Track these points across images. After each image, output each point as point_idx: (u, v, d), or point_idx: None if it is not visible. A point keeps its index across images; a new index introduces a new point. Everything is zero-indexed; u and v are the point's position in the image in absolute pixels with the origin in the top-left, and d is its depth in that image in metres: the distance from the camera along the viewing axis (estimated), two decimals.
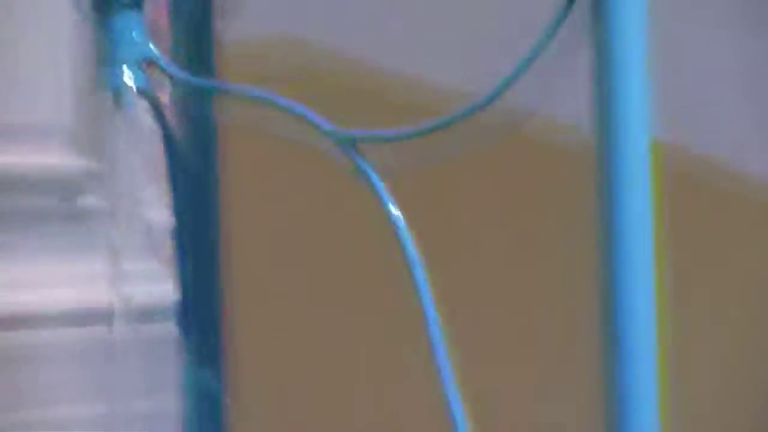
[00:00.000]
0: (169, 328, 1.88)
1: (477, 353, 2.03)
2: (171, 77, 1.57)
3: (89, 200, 3.46)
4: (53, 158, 3.70)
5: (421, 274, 1.38)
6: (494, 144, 1.69)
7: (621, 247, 1.24)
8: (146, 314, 2.29)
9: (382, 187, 1.39)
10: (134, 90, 1.52)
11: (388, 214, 1.40)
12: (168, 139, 1.72)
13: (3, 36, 3.43)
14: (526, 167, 2.83)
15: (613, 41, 1.25)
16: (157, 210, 1.87)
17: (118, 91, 1.52)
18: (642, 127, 1.23)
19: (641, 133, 1.23)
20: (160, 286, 2.03)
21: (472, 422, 1.46)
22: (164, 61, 1.54)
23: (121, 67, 1.51)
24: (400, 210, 1.40)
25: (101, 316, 2.08)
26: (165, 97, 1.69)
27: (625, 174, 1.25)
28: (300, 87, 2.56)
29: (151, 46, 1.53)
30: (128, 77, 1.48)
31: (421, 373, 1.55)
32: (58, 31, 3.57)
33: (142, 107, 1.58)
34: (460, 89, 2.12)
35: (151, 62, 1.51)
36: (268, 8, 2.97)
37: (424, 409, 1.91)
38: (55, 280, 3.64)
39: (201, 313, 1.85)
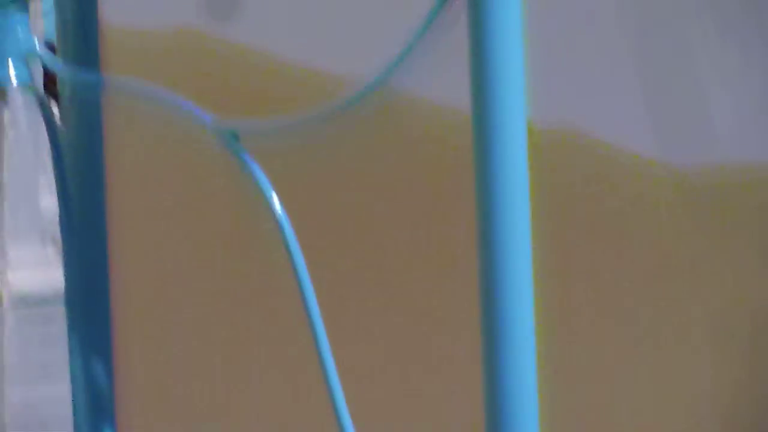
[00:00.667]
0: (59, 313, 1.88)
1: (359, 348, 2.31)
2: (54, 71, 1.60)
3: None
4: None
5: (303, 268, 1.34)
6: (377, 134, 1.96)
7: (498, 232, 1.05)
8: (35, 299, 2.19)
9: (265, 180, 1.38)
10: (17, 84, 1.53)
11: (271, 207, 1.39)
12: (52, 130, 1.72)
13: None
14: (412, 158, 2.53)
15: (487, 23, 1.14)
16: (48, 197, 1.97)
17: (3, 85, 1.54)
18: (519, 110, 1.10)
19: (519, 117, 1.09)
20: (50, 271, 2.22)
21: (357, 421, 1.37)
22: (47, 55, 1.57)
23: (5, 62, 1.51)
24: (283, 202, 1.39)
25: None
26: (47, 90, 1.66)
27: (501, 158, 1.10)
28: (190, 78, 2.66)
29: (35, 41, 1.54)
30: (12, 72, 1.49)
31: (304, 368, 1.80)
32: None
33: (30, 99, 1.61)
34: (348, 77, 2.02)
35: (34, 57, 1.53)
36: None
37: (310, 405, 2.15)
38: None
39: (88, 301, 1.80)
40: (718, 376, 2.89)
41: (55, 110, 1.77)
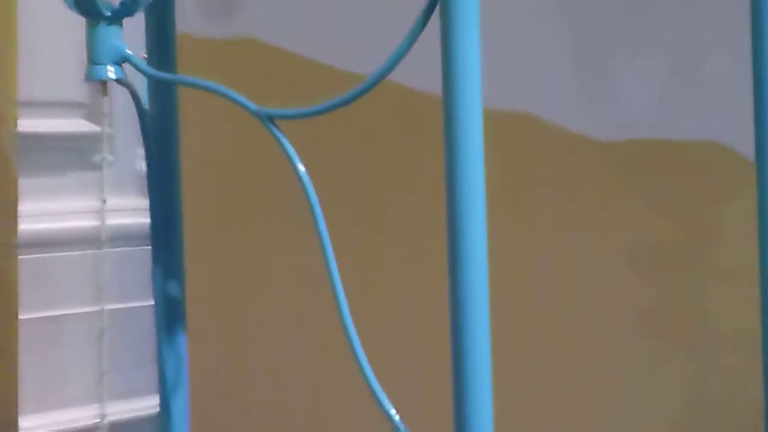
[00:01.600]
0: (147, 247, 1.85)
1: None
2: (143, 72, 1.55)
3: (98, 155, 3.22)
4: (75, 126, 3.56)
5: (321, 219, 1.35)
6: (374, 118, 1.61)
7: (459, 198, 1.19)
8: (134, 237, 2.64)
9: (290, 148, 1.38)
10: (115, 79, 1.47)
11: (295, 167, 1.38)
12: (141, 114, 1.67)
13: (41, 39, 3.29)
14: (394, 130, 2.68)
15: (454, 31, 1.18)
16: (143, 161, 1.86)
17: (104, 82, 1.49)
18: (476, 95, 1.17)
19: (475, 101, 1.17)
20: (143, 216, 1.90)
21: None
22: (137, 59, 1.51)
23: (105, 64, 1.47)
24: (304, 163, 1.37)
25: (97, 240, 2.10)
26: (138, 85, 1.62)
27: (463, 136, 1.19)
28: (244, 74, 2.84)
29: (126, 48, 1.48)
30: (111, 72, 1.45)
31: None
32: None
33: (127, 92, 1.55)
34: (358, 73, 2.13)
35: (127, 60, 1.48)
36: (224, 11, 2.90)
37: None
38: (68, 213, 3.53)
39: (166, 238, 1.79)
40: (632, 294, 3.14)
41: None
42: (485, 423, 1.18)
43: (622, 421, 3.57)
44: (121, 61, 1.43)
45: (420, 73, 1.52)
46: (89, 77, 1.45)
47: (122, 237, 2.60)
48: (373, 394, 1.35)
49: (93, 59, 1.42)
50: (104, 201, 1.92)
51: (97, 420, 3.05)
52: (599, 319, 3.30)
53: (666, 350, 3.61)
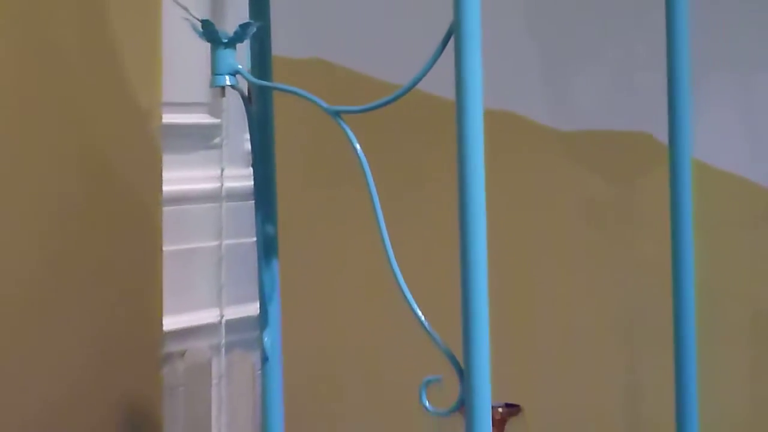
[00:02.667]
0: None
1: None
2: (249, 81, 1.59)
3: (217, 139, 3.44)
4: (201, 119, 3.67)
5: (373, 187, 1.34)
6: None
7: (468, 178, 1.20)
8: (242, 194, 2.60)
9: (353, 135, 1.37)
10: (230, 85, 1.51)
11: (355, 149, 1.37)
12: (248, 111, 1.72)
13: (178, 54, 3.23)
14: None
15: (464, 54, 1.19)
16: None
17: (223, 87, 1.51)
18: (478, 98, 1.20)
19: (478, 102, 1.18)
20: (250, 180, 1.91)
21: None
22: (245, 71, 1.55)
23: (224, 75, 1.50)
24: (362, 147, 1.37)
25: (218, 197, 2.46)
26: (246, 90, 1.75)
27: (470, 128, 1.19)
28: (317, 84, 2.59)
29: (239, 64, 1.52)
30: (227, 81, 1.49)
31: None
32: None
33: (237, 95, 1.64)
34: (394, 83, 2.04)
35: (238, 72, 1.50)
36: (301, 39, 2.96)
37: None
38: (197, 179, 3.62)
39: (265, 198, 1.82)
40: (584, 243, 3.04)
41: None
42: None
43: None
44: (234, 73, 1.48)
45: (437, 81, 1.44)
46: (212, 85, 1.50)
47: (234, 195, 2.76)
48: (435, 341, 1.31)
49: (215, 71, 1.47)
50: (222, 170, 1.93)
51: (218, 318, 3.25)
52: (557, 267, 3.23)
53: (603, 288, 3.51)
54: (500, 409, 1.87)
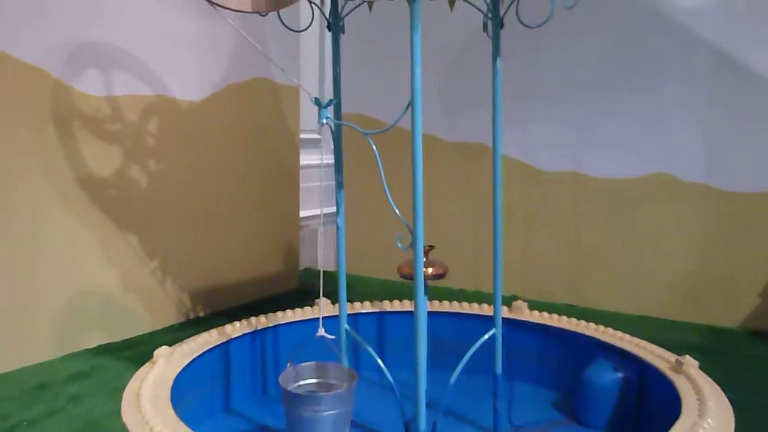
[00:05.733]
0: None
1: None
2: (330, 121, 2.27)
3: (320, 145, 4.35)
4: (313, 135, 4.72)
5: (381, 168, 2.18)
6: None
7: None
8: (329, 167, 2.81)
9: (373, 144, 2.15)
10: (324, 121, 2.22)
11: (374, 151, 2.18)
12: (333, 134, 2.44)
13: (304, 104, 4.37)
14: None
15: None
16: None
17: (322, 123, 2.21)
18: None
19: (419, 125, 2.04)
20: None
21: None
22: (331, 117, 2.27)
23: (321, 116, 2.21)
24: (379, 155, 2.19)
25: (319, 166, 2.91)
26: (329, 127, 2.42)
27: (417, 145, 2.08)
28: (357, 121, 3.25)
29: (329, 113, 2.24)
30: (324, 120, 2.19)
31: None
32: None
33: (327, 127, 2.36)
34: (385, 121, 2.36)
35: (326, 117, 2.21)
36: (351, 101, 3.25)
37: None
38: (312, 159, 4.73)
39: (338, 166, 2.55)
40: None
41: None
42: None
43: None
44: (327, 117, 2.27)
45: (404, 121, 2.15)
46: (318, 122, 2.24)
47: (326, 165, 3.80)
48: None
49: (319, 117, 2.25)
50: (321, 157, 2.44)
51: (319, 212, 4.55)
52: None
53: None
54: (426, 246, 2.46)
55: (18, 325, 2.76)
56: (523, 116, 3.81)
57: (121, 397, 2.32)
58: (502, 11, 2.58)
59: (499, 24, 2.58)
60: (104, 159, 3.12)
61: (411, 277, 2.22)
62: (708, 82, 3.73)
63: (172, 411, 2.25)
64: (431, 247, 2.29)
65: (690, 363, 2.64)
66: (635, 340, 2.98)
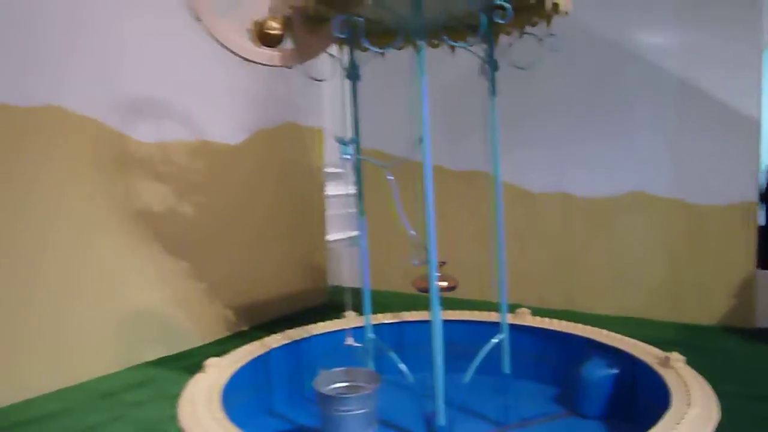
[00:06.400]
0: None
1: None
2: (351, 156, 2.27)
3: (346, 176, 4.12)
4: (336, 170, 4.51)
5: (395, 190, 2.15)
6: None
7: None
8: (351, 197, 2.81)
9: (389, 174, 2.16)
10: (346, 156, 2.23)
11: (389, 179, 2.17)
12: (355, 168, 2.45)
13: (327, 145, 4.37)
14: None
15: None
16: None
17: (344, 157, 2.22)
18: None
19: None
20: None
21: None
22: (351, 152, 2.28)
23: (342, 152, 2.22)
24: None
25: (345, 196, 2.84)
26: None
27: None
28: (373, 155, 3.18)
29: (348, 149, 2.23)
30: (345, 154, 2.21)
31: None
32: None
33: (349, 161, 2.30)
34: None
35: (347, 153, 2.23)
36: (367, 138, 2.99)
37: None
38: (336, 190, 4.67)
39: (359, 194, 2.53)
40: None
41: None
42: None
43: None
44: (348, 153, 2.29)
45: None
46: (340, 157, 2.24)
47: (349, 195, 3.62)
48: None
49: (341, 152, 2.25)
50: (348, 188, 2.45)
51: (345, 236, 4.53)
52: None
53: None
54: (439, 262, 2.33)
55: (84, 342, 2.77)
56: (512, 144, 3.76)
57: (177, 403, 2.31)
58: (496, 55, 2.56)
59: (494, 67, 2.58)
60: (157, 196, 3.14)
61: (426, 290, 2.24)
62: (674, 108, 3.69)
63: (223, 413, 2.24)
64: (443, 262, 2.27)
65: (677, 358, 2.58)
66: (626, 338, 2.91)
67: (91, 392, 2.60)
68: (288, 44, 2.33)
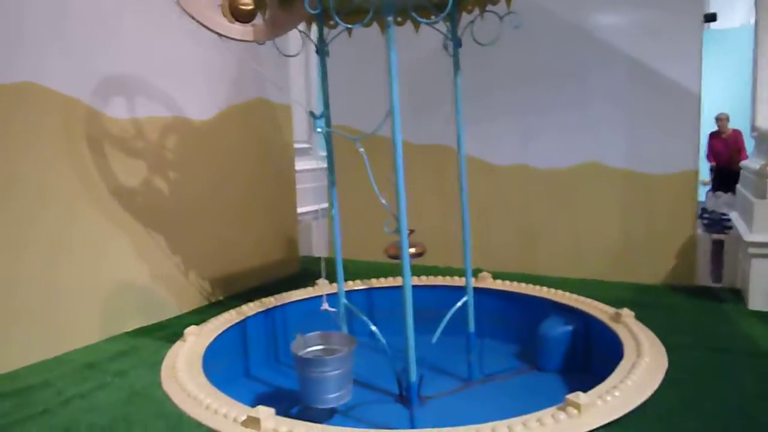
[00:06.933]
0: None
1: None
2: (324, 130, 2.31)
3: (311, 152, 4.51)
4: (304, 145, 4.74)
5: (368, 164, 2.20)
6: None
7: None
8: (321, 170, 2.81)
9: (360, 146, 2.18)
10: (318, 130, 2.28)
11: (361, 152, 2.18)
12: (326, 140, 2.40)
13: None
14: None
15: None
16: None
17: (315, 130, 2.26)
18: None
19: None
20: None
21: None
22: (324, 126, 2.35)
23: (316, 126, 2.30)
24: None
25: (313, 170, 3.06)
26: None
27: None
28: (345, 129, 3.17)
29: (323, 122, 2.32)
30: (318, 129, 2.27)
31: None
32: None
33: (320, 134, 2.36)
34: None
35: (321, 127, 2.28)
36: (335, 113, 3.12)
37: None
38: (304, 165, 5.00)
39: (330, 168, 2.49)
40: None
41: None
42: None
43: None
44: (320, 127, 2.37)
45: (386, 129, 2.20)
46: (314, 131, 2.36)
47: (318, 170, 3.38)
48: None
49: (314, 127, 2.35)
50: (317, 162, 2.49)
51: (316, 208, 4.78)
52: None
53: None
54: (409, 230, 2.35)
55: (63, 314, 2.73)
56: (475, 118, 3.80)
57: (159, 370, 2.36)
58: (459, 32, 2.61)
59: (458, 43, 2.64)
60: (131, 172, 3.08)
61: (397, 256, 2.30)
62: (626, 83, 3.76)
63: (204, 378, 2.30)
64: (412, 231, 2.33)
65: (627, 314, 2.72)
66: (581, 298, 3.05)
67: (75, 363, 2.56)
68: (260, 20, 2.31)
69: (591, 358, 2.81)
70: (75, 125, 2.86)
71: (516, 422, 1.78)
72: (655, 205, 3.84)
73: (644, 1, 3.75)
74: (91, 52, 2.92)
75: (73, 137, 2.86)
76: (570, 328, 2.88)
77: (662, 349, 2.36)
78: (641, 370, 2.12)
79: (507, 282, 3.45)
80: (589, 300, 3.04)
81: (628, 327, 2.61)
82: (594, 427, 1.76)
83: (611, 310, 2.84)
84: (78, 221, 2.86)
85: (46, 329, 2.68)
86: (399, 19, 2.63)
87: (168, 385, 2.23)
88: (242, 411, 1.93)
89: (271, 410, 1.90)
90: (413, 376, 2.33)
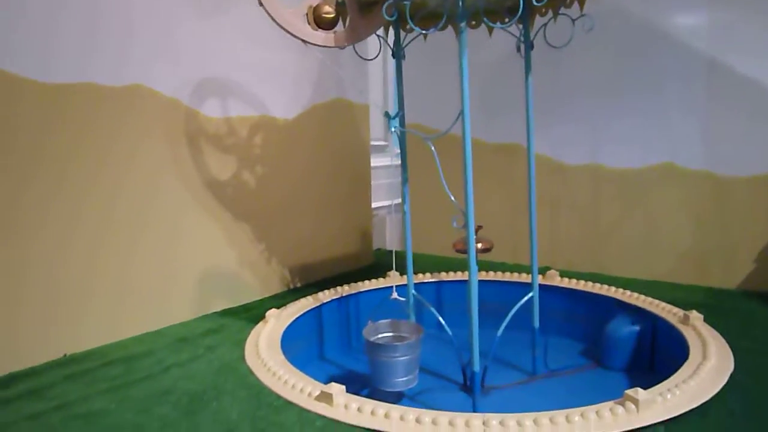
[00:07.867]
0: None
1: None
2: (399, 130, 2.36)
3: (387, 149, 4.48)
4: (380, 143, 4.73)
5: (438, 163, 2.22)
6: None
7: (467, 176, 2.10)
8: (396, 167, 2.92)
9: (432, 145, 2.21)
10: (393, 130, 2.33)
11: (432, 152, 2.21)
12: (401, 140, 2.46)
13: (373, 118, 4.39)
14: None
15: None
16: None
17: (389, 130, 2.32)
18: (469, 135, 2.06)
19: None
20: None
21: None
22: (398, 126, 2.34)
23: (390, 125, 2.31)
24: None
25: (389, 167, 3.15)
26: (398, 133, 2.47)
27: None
28: (417, 128, 3.18)
29: (396, 122, 2.30)
30: (392, 128, 2.30)
31: None
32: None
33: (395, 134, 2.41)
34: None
35: (396, 126, 2.33)
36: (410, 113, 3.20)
37: None
38: (379, 162, 4.86)
39: (404, 165, 2.53)
40: None
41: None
42: None
43: None
44: (395, 126, 2.40)
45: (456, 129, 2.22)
46: (388, 130, 2.36)
47: (393, 167, 3.84)
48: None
49: (389, 127, 2.36)
50: (392, 159, 2.53)
51: (390, 203, 4.81)
52: None
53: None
54: (476, 226, 2.48)
55: (163, 294, 2.94)
56: (548, 120, 3.75)
57: (244, 347, 2.51)
58: (532, 35, 2.59)
59: (530, 46, 2.61)
60: (223, 166, 3.23)
61: (464, 251, 2.32)
62: (703, 84, 3.59)
63: (282, 356, 2.42)
64: (480, 226, 2.35)
65: (696, 316, 2.63)
66: (648, 299, 2.98)
67: (173, 336, 2.76)
68: (341, 27, 2.38)
69: (656, 358, 2.75)
70: (176, 124, 3.07)
71: (574, 413, 1.77)
72: (732, 208, 3.66)
73: (725, 1, 3.58)
74: (191, 58, 3.11)
75: (174, 135, 3.08)
76: (636, 328, 2.81)
77: (729, 353, 2.28)
78: (705, 372, 2.07)
79: (574, 280, 3.41)
80: (657, 301, 2.96)
81: (696, 329, 2.53)
82: (651, 422, 1.73)
83: (680, 311, 2.76)
84: (181, 212, 3.09)
85: (149, 306, 2.92)
86: (473, 23, 2.65)
87: (251, 361, 2.36)
88: (316, 387, 2.02)
89: (343, 387, 1.98)
90: (477, 366, 2.36)
